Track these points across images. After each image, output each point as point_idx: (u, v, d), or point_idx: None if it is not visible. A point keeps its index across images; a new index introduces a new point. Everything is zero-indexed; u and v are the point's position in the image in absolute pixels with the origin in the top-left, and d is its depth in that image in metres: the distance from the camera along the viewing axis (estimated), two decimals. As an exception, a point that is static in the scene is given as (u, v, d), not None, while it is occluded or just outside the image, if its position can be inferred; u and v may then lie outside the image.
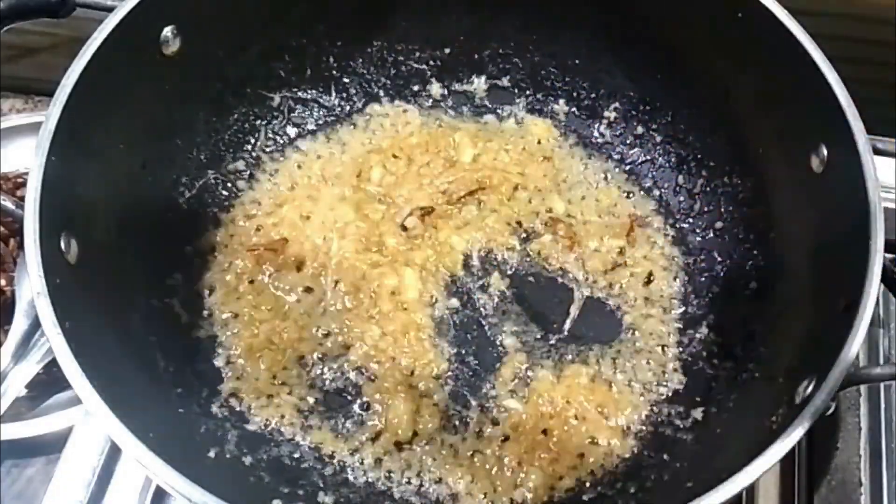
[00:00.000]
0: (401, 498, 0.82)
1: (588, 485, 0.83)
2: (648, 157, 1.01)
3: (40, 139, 0.74)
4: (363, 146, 1.01)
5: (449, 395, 0.87)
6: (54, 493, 0.86)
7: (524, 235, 0.96)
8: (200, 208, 0.95)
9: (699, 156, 0.98)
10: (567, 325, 0.91)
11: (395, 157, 1.00)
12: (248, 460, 0.81)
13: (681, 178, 0.99)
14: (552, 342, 0.90)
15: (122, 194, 0.85)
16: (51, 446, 0.90)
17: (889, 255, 0.75)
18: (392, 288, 0.91)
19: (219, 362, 0.88)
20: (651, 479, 0.81)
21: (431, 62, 1.04)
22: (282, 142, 1.01)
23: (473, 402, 0.86)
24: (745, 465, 0.66)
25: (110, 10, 0.81)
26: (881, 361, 0.96)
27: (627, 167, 1.01)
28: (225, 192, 0.97)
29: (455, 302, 0.92)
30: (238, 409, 0.85)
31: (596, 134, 1.03)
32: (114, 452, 0.87)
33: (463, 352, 0.89)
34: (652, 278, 0.94)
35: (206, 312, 0.90)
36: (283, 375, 0.87)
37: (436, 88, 1.04)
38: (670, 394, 0.88)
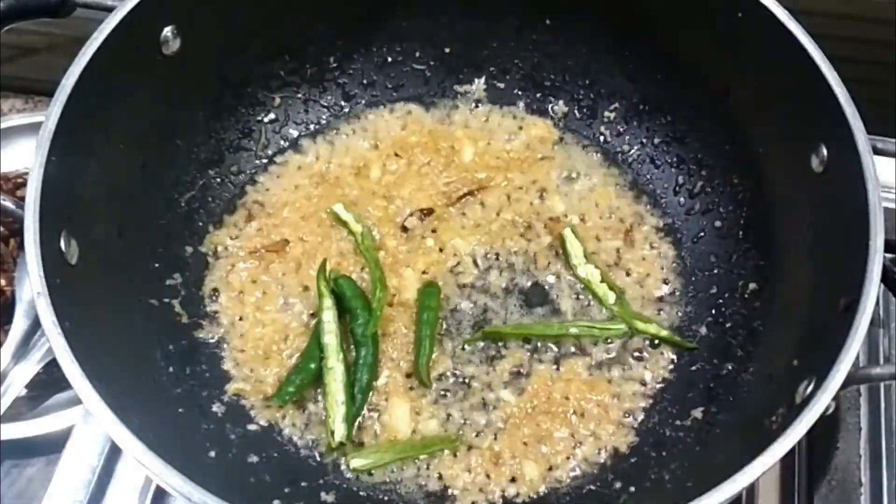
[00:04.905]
0: (400, 494, 0.82)
1: (585, 482, 0.83)
2: (648, 157, 1.01)
3: (40, 139, 0.74)
4: (363, 146, 1.01)
5: (449, 393, 0.87)
6: (54, 493, 0.86)
7: (524, 235, 0.96)
8: (201, 208, 0.95)
9: (699, 156, 0.98)
10: (566, 324, 0.91)
11: (396, 156, 1.00)
12: (248, 460, 0.81)
13: (681, 178, 0.99)
14: (551, 340, 0.90)
15: (122, 194, 0.85)
16: (51, 446, 0.90)
17: (889, 255, 0.75)
18: (392, 288, 0.91)
19: (226, 364, 0.88)
20: (651, 478, 0.81)
21: (431, 62, 1.04)
22: (282, 142, 1.01)
23: (472, 400, 0.86)
24: (745, 465, 0.66)
25: (110, 10, 0.81)
26: (881, 361, 0.96)
27: (627, 167, 1.01)
28: (225, 193, 0.97)
29: (455, 302, 0.92)
30: (240, 409, 0.85)
31: (596, 134, 1.03)
32: (114, 452, 0.87)
33: (463, 351, 0.89)
34: (651, 278, 0.94)
35: (208, 313, 0.90)
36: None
37: (436, 88, 1.04)
38: (669, 393, 0.88)
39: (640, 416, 0.87)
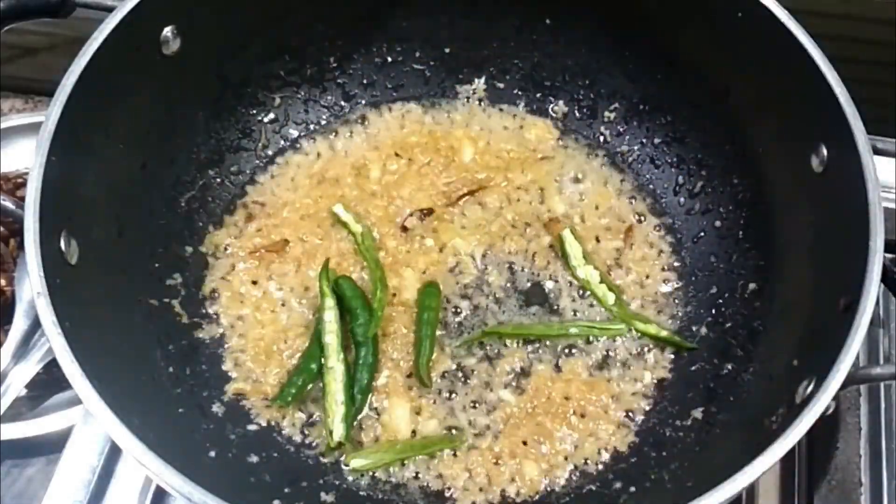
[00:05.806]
0: (400, 494, 0.82)
1: (586, 481, 0.83)
2: (648, 157, 1.01)
3: (40, 139, 0.74)
4: (363, 146, 1.01)
5: (449, 393, 0.87)
6: (54, 493, 0.86)
7: (524, 235, 0.96)
8: (201, 208, 0.95)
9: (699, 156, 0.98)
10: (566, 324, 0.91)
11: (396, 155, 1.00)
12: (248, 460, 0.81)
13: (681, 178, 0.99)
14: (551, 340, 0.90)
15: (122, 194, 0.85)
16: (51, 446, 0.90)
17: (889, 255, 0.75)
18: (392, 288, 0.91)
19: (226, 365, 0.88)
20: (651, 478, 0.81)
21: (431, 62, 1.04)
22: (282, 142, 1.01)
23: (472, 400, 0.86)
24: (745, 465, 0.66)
25: (110, 10, 0.81)
26: (881, 361, 0.96)
27: (627, 167, 1.01)
28: (225, 193, 0.97)
29: (455, 302, 0.92)
30: (240, 409, 0.85)
31: (596, 134, 1.03)
32: (114, 452, 0.87)
33: (462, 351, 0.89)
34: (651, 278, 0.94)
35: (208, 313, 0.90)
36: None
37: (436, 88, 1.04)
38: (670, 393, 0.88)
39: (640, 416, 0.87)
